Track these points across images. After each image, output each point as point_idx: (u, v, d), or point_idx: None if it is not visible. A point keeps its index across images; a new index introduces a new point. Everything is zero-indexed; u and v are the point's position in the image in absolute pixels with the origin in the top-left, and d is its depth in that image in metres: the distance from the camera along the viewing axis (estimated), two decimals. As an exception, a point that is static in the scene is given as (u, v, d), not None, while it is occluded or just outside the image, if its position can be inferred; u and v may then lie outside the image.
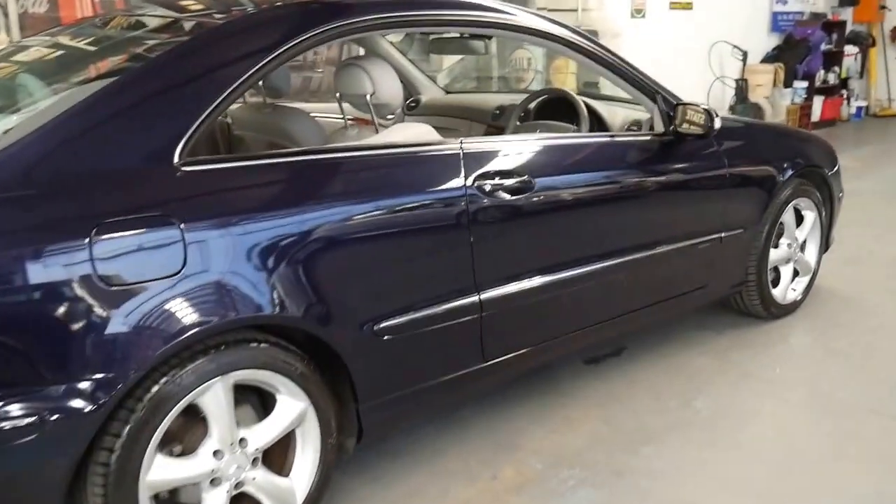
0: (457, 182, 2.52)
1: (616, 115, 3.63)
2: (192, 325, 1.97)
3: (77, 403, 1.84)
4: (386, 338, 2.40)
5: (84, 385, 1.85)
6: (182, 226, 1.97)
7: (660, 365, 3.59)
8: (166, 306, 1.94)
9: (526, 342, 2.89)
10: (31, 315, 1.80)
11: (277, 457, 2.31)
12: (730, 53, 9.11)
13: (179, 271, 1.96)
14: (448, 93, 4.44)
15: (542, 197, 2.74)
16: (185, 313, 1.96)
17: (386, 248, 2.39)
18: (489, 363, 2.75)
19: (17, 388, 1.80)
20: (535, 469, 2.79)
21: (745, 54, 9.21)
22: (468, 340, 2.66)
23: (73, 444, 1.87)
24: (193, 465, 2.10)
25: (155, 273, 1.93)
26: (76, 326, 1.84)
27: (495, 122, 3.87)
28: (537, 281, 2.78)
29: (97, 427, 1.88)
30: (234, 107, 3.35)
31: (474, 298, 2.61)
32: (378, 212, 2.35)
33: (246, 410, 2.26)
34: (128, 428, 1.93)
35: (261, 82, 2.95)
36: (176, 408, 2.01)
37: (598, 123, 3.52)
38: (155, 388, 1.96)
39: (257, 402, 2.30)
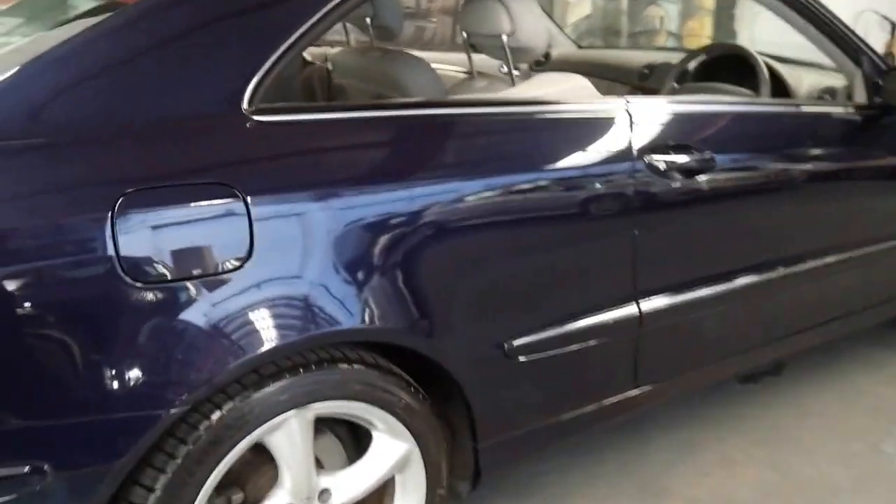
0: (622, 155, 1.88)
1: (801, 80, 2.89)
2: (259, 343, 1.40)
3: (85, 459, 1.30)
4: (520, 359, 1.79)
5: (91, 437, 1.32)
6: (248, 199, 1.39)
7: (832, 391, 2.90)
8: (221, 313, 1.37)
9: (685, 364, 2.26)
10: (23, 325, 1.25)
11: (369, 509, 1.74)
12: (876, 24, 8.02)
13: (242, 264, 1.38)
14: (581, 48, 3.76)
15: (724, 180, 2.07)
16: (250, 324, 1.40)
17: (525, 240, 1.77)
18: (640, 390, 2.12)
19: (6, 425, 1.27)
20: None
21: (893, 26, 8.10)
22: (620, 361, 2.06)
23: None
24: (258, 524, 1.54)
25: (206, 266, 1.36)
26: (82, 343, 1.30)
27: (644, 83, 3.18)
28: (708, 289, 2.13)
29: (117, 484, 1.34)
30: (335, 51, 2.77)
31: (633, 310, 1.97)
32: (515, 190, 1.73)
33: (329, 445, 1.70)
34: (169, 469, 1.39)
35: (368, 19, 2.36)
36: (232, 452, 1.46)
37: (779, 89, 2.79)
38: (202, 428, 1.41)
39: (346, 434, 1.72)
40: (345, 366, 1.56)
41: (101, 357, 1.30)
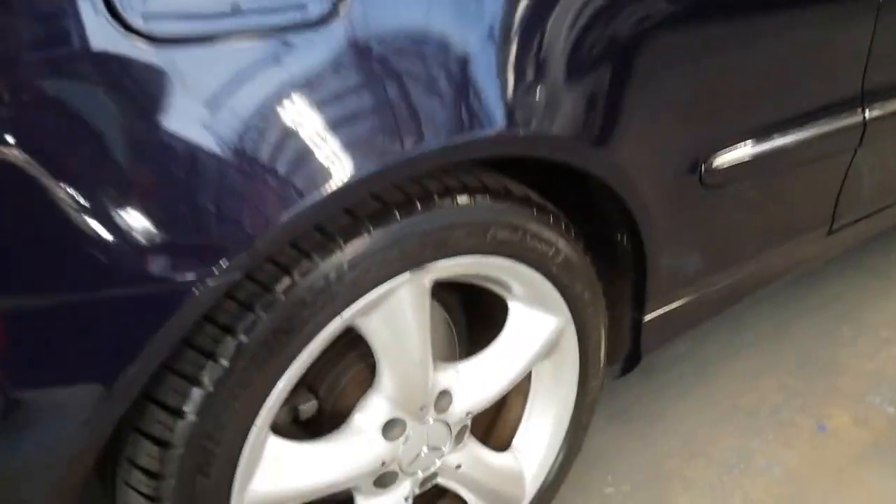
0: None
1: None
2: (349, 163, 0.75)
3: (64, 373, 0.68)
4: (724, 184, 1.17)
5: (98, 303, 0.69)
6: None
7: None
8: (277, 111, 0.71)
9: (881, 199, 1.65)
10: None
11: (486, 414, 1.16)
12: None
13: (325, 18, 0.72)
14: None
15: None
16: (332, 131, 0.74)
17: (749, 23, 1.11)
18: (833, 233, 1.52)
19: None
20: (888, 415, 1.61)
21: None
22: (826, 190, 1.44)
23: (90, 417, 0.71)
24: (343, 452, 0.95)
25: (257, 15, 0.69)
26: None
27: None
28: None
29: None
30: None
31: (858, 118, 1.34)
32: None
33: (441, 329, 1.10)
34: (207, 380, 0.78)
35: None
36: (310, 346, 0.84)
37: None
38: (259, 309, 0.79)
39: (462, 318, 1.13)
40: (483, 200, 0.93)
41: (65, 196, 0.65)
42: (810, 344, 1.82)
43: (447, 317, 1.13)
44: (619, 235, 1.15)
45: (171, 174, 0.68)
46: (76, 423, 0.70)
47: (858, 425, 1.58)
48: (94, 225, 0.66)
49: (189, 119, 0.67)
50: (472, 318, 1.17)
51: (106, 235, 0.66)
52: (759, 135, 1.21)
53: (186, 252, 0.70)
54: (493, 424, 1.21)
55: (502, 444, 1.20)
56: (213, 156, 0.69)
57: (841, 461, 1.49)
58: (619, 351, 1.29)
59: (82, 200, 0.65)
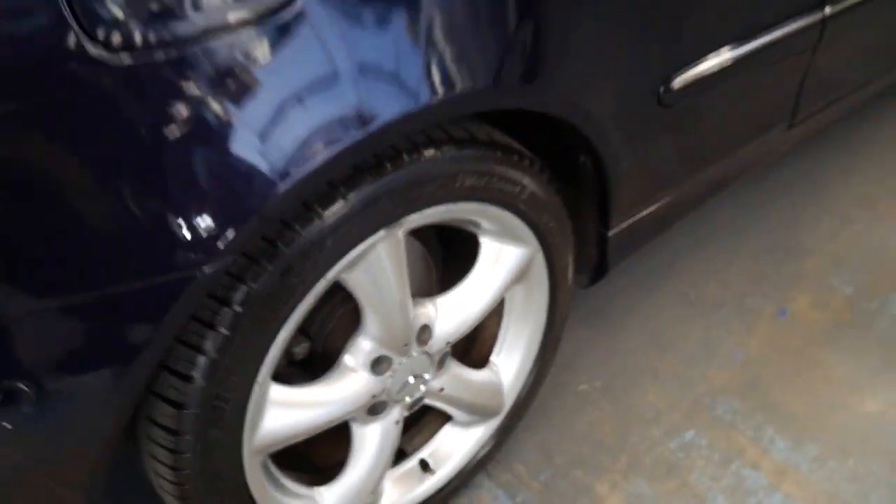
0: None
1: None
2: (318, 147, 0.80)
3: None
4: (684, 102, 1.21)
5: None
6: None
7: None
8: (249, 100, 0.75)
9: (841, 89, 1.69)
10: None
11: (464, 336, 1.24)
12: None
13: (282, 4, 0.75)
14: None
15: None
16: (304, 114, 0.79)
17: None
18: (795, 125, 1.58)
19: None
20: (845, 296, 1.71)
21: None
22: (787, 87, 1.51)
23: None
24: (337, 390, 1.04)
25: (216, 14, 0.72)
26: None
27: None
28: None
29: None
30: None
31: (818, 15, 1.38)
32: None
33: (416, 260, 1.17)
34: (210, 348, 0.86)
35: None
36: (297, 310, 0.92)
37: None
38: (253, 274, 0.86)
39: (436, 244, 1.20)
40: (449, 150, 0.97)
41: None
42: (775, 227, 1.90)
43: (425, 251, 1.20)
44: (581, 157, 1.20)
45: (167, 168, 0.73)
46: (104, 396, 0.79)
47: (817, 308, 1.69)
48: (103, 222, 0.72)
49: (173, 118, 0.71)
50: (449, 249, 1.23)
51: (113, 230, 0.72)
52: (718, 48, 1.24)
53: (186, 242, 0.76)
54: (472, 344, 1.30)
55: (481, 360, 1.29)
56: (206, 145, 0.73)
57: (800, 344, 1.61)
58: (588, 264, 1.36)
59: (101, 203, 0.70)
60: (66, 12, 0.65)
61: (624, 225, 1.32)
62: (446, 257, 1.23)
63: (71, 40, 0.66)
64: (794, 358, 1.58)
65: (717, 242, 1.86)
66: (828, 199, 1.98)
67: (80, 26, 0.66)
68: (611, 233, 1.30)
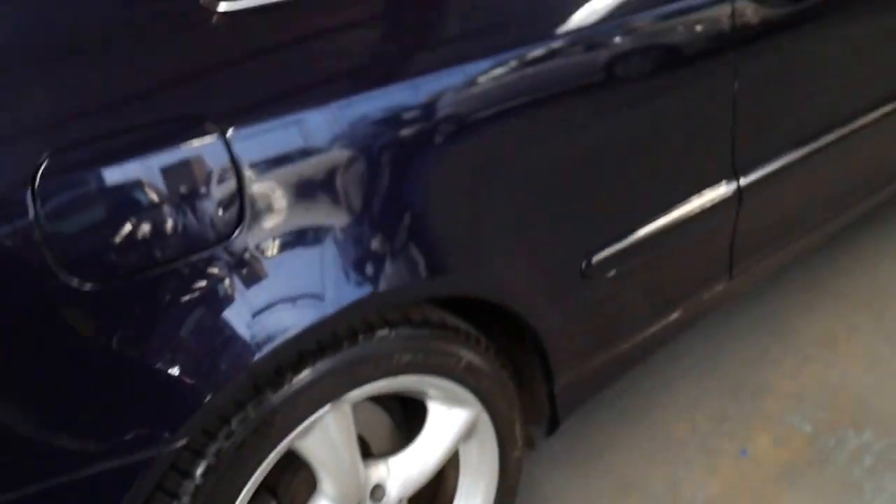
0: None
1: None
2: (268, 339, 0.97)
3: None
4: (608, 275, 1.37)
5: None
6: (230, 132, 0.90)
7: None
8: (205, 312, 0.93)
9: (777, 241, 1.83)
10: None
11: (428, 487, 1.36)
12: None
13: (233, 232, 0.92)
14: None
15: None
16: (249, 318, 0.96)
17: (602, 111, 1.30)
18: (735, 278, 1.72)
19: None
20: (804, 434, 1.80)
21: None
22: (716, 250, 1.65)
23: None
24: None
25: (174, 249, 0.90)
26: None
27: None
28: (807, 147, 1.70)
29: None
30: None
31: (733, 186, 1.54)
32: (583, 40, 1.24)
33: (372, 419, 1.30)
34: None
35: None
36: (253, 477, 1.06)
37: None
38: (198, 472, 1.00)
39: (396, 404, 1.34)
40: (385, 332, 1.13)
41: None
42: (740, 365, 2.01)
43: (383, 411, 1.34)
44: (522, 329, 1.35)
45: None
46: None
47: (777, 446, 1.78)
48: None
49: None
50: (408, 407, 1.37)
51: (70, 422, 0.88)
52: (633, 226, 1.40)
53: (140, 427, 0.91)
54: (435, 495, 1.41)
55: (443, 513, 1.40)
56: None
57: (759, 484, 1.69)
58: (541, 416, 1.49)
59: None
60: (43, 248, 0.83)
61: (566, 380, 1.45)
62: (407, 414, 1.36)
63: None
64: (755, 499, 1.66)
65: (686, 381, 1.97)
66: (791, 336, 2.09)
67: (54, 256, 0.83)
68: (556, 388, 1.43)
